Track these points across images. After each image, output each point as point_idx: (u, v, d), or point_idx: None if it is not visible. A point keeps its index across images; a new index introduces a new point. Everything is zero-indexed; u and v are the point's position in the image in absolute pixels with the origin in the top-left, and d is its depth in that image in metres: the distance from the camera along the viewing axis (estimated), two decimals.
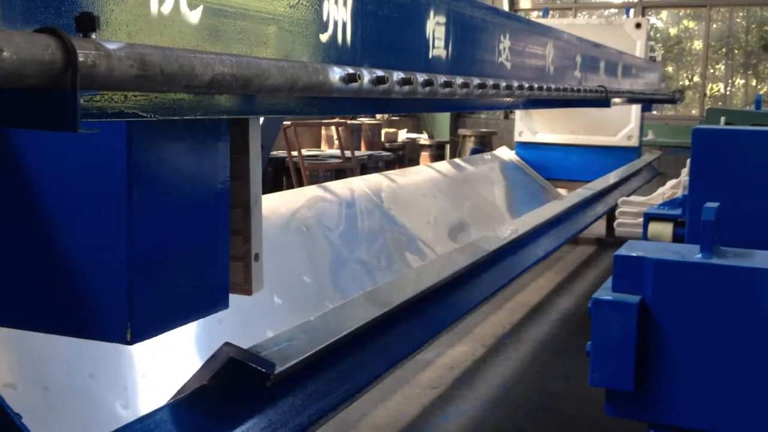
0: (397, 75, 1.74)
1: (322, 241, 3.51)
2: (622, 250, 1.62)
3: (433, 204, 4.72)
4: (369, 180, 4.39)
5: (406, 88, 1.79)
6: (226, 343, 1.52)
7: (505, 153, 7.09)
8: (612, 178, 5.58)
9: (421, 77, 1.86)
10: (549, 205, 3.85)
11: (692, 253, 1.61)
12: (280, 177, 8.68)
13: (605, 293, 1.59)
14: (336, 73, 1.51)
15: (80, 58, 0.90)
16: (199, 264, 1.35)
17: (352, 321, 1.94)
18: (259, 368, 1.54)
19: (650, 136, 9.27)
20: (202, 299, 1.37)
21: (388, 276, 3.05)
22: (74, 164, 1.17)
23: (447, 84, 2.02)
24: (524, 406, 4.05)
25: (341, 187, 4.05)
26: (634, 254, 1.58)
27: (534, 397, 4.16)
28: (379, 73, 1.67)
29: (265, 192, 3.41)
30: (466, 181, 5.49)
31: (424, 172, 5.14)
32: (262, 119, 3.61)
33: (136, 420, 1.39)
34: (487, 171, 6.00)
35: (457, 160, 6.21)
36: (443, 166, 5.54)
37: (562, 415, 3.93)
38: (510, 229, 3.16)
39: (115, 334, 1.17)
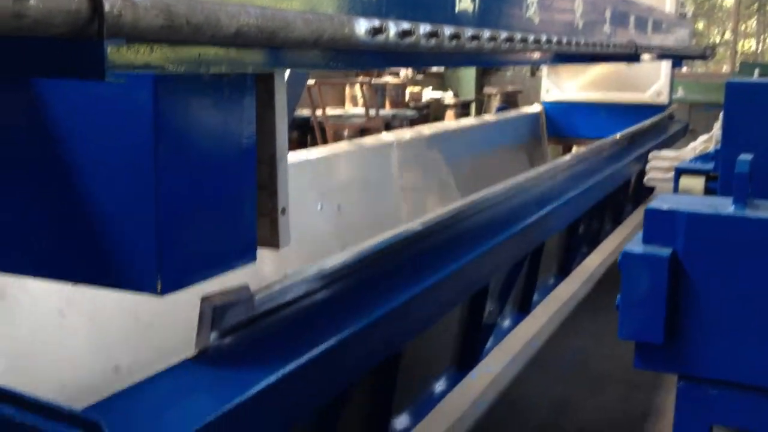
0: (424, 28, 1.72)
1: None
2: (654, 203, 1.60)
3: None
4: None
5: (433, 41, 1.76)
6: (203, 298, 1.53)
7: (532, 111, 7.02)
8: (630, 131, 5.45)
9: (448, 30, 1.83)
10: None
11: (725, 206, 1.58)
12: (304, 136, 8.68)
13: (636, 246, 1.58)
14: (362, 26, 1.49)
15: (106, 8, 0.90)
16: (226, 218, 1.36)
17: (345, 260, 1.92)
18: (240, 298, 1.55)
19: (680, 93, 9.12)
20: (230, 252, 1.38)
21: None
22: (102, 118, 1.18)
23: (474, 38, 1.99)
24: (552, 364, 4.06)
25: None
26: (666, 207, 1.56)
27: (563, 355, 4.17)
28: (406, 26, 1.64)
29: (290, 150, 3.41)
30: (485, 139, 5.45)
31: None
32: (287, 75, 3.59)
33: (133, 384, 1.40)
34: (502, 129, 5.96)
35: (483, 117, 6.16)
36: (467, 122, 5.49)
37: (590, 372, 3.94)
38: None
39: (146, 285, 1.18)
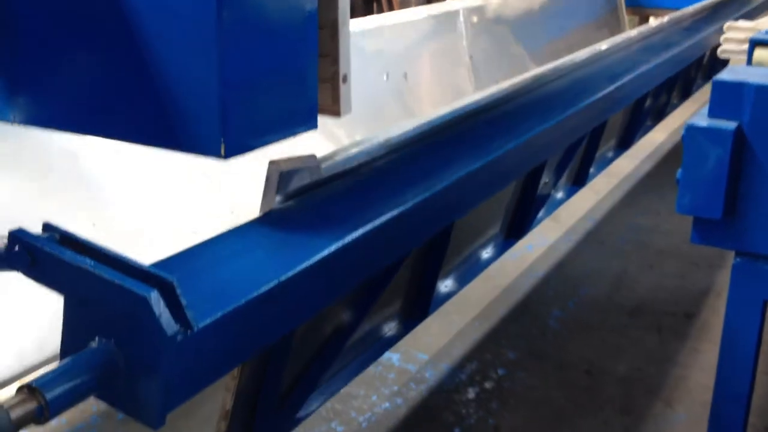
0: None
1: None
2: (722, 75, 1.55)
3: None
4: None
5: None
6: (271, 162, 1.55)
7: None
8: (711, 1, 5.15)
9: None
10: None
11: None
12: (370, 3, 8.51)
13: (700, 119, 1.54)
14: None
15: None
16: (288, 84, 1.37)
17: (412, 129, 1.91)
18: (308, 166, 1.58)
19: None
20: (291, 118, 1.39)
21: None
22: None
23: None
24: (612, 239, 4.07)
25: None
26: (733, 79, 1.51)
27: (622, 231, 4.17)
28: None
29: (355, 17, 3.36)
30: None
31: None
32: None
33: (206, 240, 1.46)
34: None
35: None
36: None
37: (650, 248, 3.94)
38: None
39: (210, 148, 1.21)
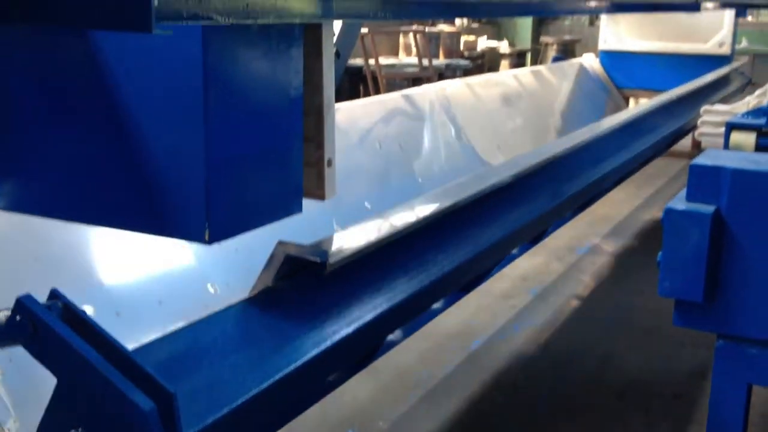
0: None
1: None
2: (699, 159, 1.59)
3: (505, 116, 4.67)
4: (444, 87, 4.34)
5: None
6: (280, 242, 1.55)
7: (587, 61, 6.87)
8: (692, 85, 5.31)
9: None
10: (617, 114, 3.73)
11: None
12: (357, 86, 8.67)
13: (679, 203, 1.57)
14: None
15: None
16: (273, 169, 1.38)
17: (411, 217, 1.94)
18: (314, 259, 1.58)
19: (744, 44, 8.83)
20: (276, 202, 1.41)
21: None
22: (154, 69, 1.21)
23: None
24: (597, 319, 4.06)
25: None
26: (711, 163, 1.54)
27: (607, 310, 4.17)
28: None
29: (342, 100, 3.41)
30: (538, 90, 5.38)
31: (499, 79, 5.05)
32: (338, 26, 3.55)
33: (202, 319, 1.46)
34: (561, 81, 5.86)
35: (538, 67, 6.07)
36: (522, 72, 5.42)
37: (635, 328, 3.93)
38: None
39: (194, 234, 1.22)
